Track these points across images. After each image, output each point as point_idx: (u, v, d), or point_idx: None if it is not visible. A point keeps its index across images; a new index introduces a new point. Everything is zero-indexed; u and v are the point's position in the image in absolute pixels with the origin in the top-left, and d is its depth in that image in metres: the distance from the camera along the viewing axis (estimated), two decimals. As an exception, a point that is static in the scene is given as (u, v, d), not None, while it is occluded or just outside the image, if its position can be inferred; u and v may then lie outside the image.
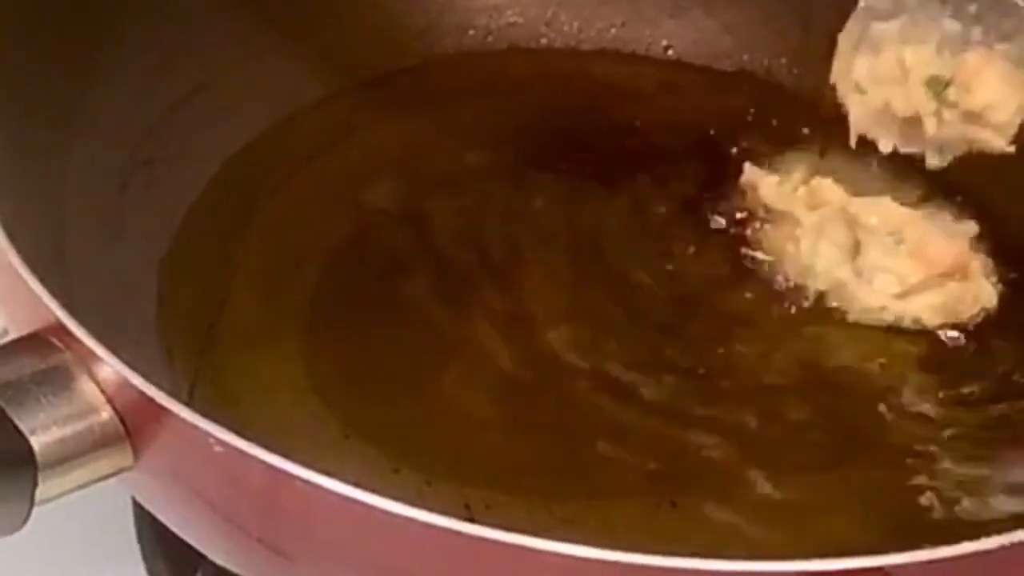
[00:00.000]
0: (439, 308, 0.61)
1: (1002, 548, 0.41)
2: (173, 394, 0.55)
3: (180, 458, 0.45)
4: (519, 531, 0.41)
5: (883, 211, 0.62)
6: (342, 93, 0.69)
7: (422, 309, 0.61)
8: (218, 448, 0.42)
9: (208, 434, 0.42)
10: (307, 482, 0.42)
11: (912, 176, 0.65)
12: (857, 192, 0.64)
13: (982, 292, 0.62)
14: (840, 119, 0.63)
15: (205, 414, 0.55)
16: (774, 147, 0.67)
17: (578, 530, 0.54)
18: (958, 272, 0.62)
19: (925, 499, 0.55)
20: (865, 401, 0.59)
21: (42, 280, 0.46)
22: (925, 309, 0.61)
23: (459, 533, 0.41)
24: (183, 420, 0.43)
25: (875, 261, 0.62)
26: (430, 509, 0.42)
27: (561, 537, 0.41)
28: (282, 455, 0.43)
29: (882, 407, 0.58)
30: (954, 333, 0.61)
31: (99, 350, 0.44)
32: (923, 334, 0.61)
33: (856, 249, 0.62)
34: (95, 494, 0.47)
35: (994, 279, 0.63)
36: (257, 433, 0.55)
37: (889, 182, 0.64)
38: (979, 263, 0.63)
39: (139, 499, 0.52)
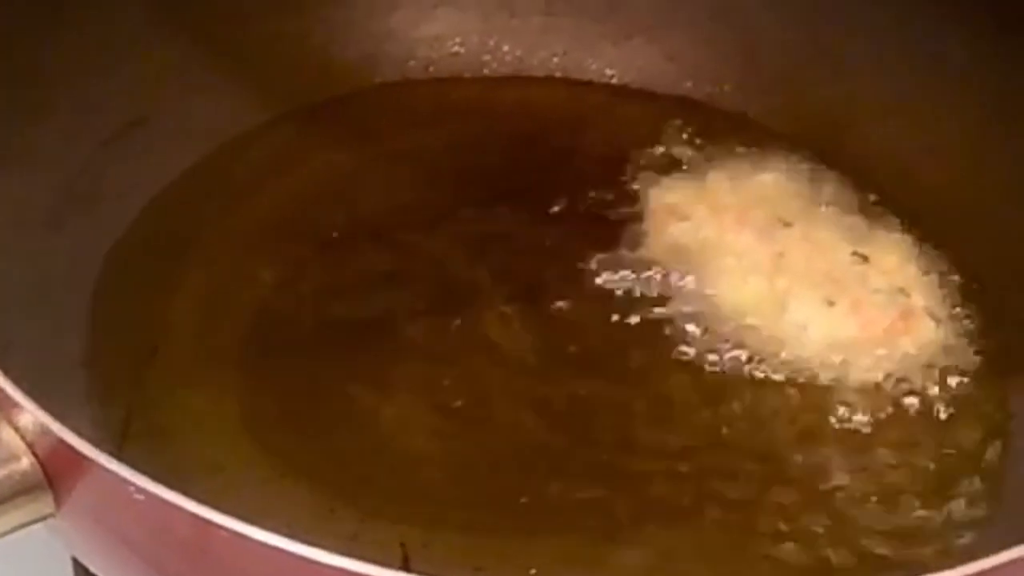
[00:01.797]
0: (377, 344, 0.60)
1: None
2: (104, 434, 0.55)
3: (103, 506, 0.44)
4: (452, 573, 0.41)
5: (815, 249, 0.63)
6: (282, 122, 0.68)
7: (360, 345, 0.60)
8: (139, 496, 0.41)
9: (129, 482, 0.41)
10: (231, 531, 0.41)
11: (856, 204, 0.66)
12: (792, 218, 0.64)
13: (922, 329, 0.62)
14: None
15: (137, 454, 0.55)
16: (714, 174, 0.67)
17: (517, 566, 0.54)
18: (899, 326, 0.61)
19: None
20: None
21: (-40, 323, 0.46)
22: (862, 362, 0.61)
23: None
24: (104, 468, 0.42)
25: (804, 317, 0.61)
26: (364, 551, 0.41)
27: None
28: (205, 502, 0.42)
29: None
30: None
31: (19, 397, 0.43)
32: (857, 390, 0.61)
33: (781, 301, 0.62)
34: (33, 537, 0.47)
35: (941, 311, 0.63)
36: (191, 472, 0.55)
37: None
38: (921, 299, 0.63)
39: (66, 547, 0.51)
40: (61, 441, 0.43)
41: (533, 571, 0.53)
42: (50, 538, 0.50)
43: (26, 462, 0.44)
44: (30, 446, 0.44)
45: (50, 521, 0.45)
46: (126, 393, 0.57)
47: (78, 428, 0.43)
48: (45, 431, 0.43)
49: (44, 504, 0.45)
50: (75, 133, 0.62)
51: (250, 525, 0.41)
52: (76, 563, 0.56)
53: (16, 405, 0.43)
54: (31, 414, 0.43)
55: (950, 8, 0.66)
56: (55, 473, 0.44)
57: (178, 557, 0.45)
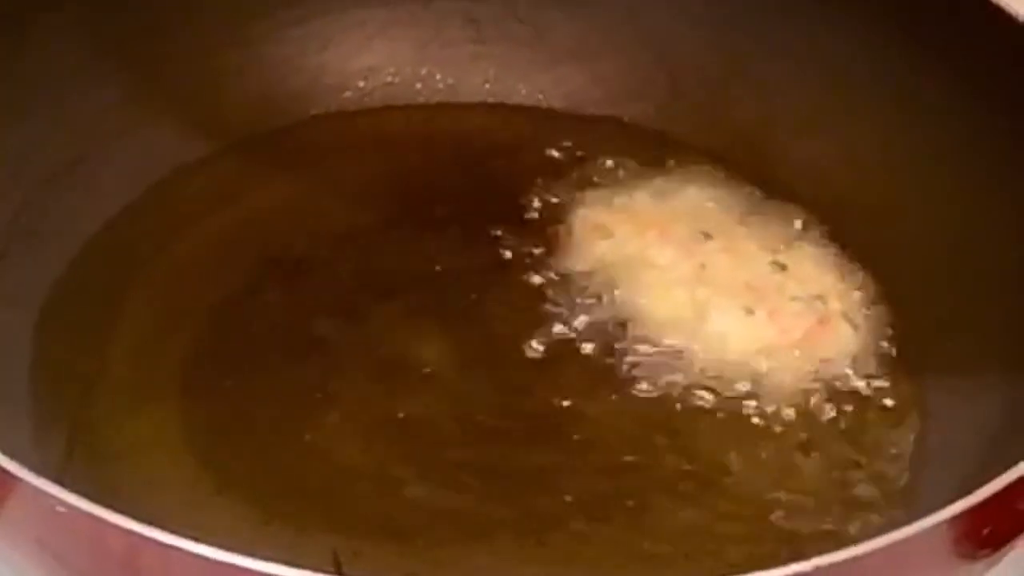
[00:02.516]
0: (313, 363, 0.62)
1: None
2: (47, 457, 0.57)
3: (33, 521, 0.46)
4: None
5: (736, 260, 0.65)
6: (221, 155, 0.71)
7: (296, 364, 0.62)
8: (60, 508, 0.43)
9: (49, 495, 0.43)
10: (154, 542, 0.43)
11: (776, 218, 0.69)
12: (713, 232, 0.67)
13: (840, 334, 0.64)
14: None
15: (81, 475, 0.57)
16: (639, 192, 0.69)
17: (449, 571, 0.56)
18: (817, 332, 0.64)
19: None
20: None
21: None
22: (781, 367, 0.63)
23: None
24: (24, 483, 0.44)
25: (724, 326, 0.64)
26: (297, 560, 0.43)
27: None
28: (124, 513, 0.44)
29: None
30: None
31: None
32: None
33: (701, 311, 0.64)
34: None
35: (857, 316, 0.65)
36: (134, 492, 0.57)
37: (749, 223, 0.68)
38: (838, 306, 0.65)
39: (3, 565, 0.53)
40: (-15, 458, 0.45)
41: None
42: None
43: (-45, 482, 0.46)
44: (-41, 464, 0.46)
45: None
46: (70, 416, 0.59)
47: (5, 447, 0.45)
48: (-31, 447, 0.45)
49: (-24, 522, 0.47)
50: (17, 169, 0.64)
51: (171, 534, 0.43)
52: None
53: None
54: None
55: (859, 29, 0.69)
56: (-14, 490, 0.46)
57: (112, 572, 0.47)
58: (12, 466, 0.44)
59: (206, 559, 0.43)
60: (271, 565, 0.43)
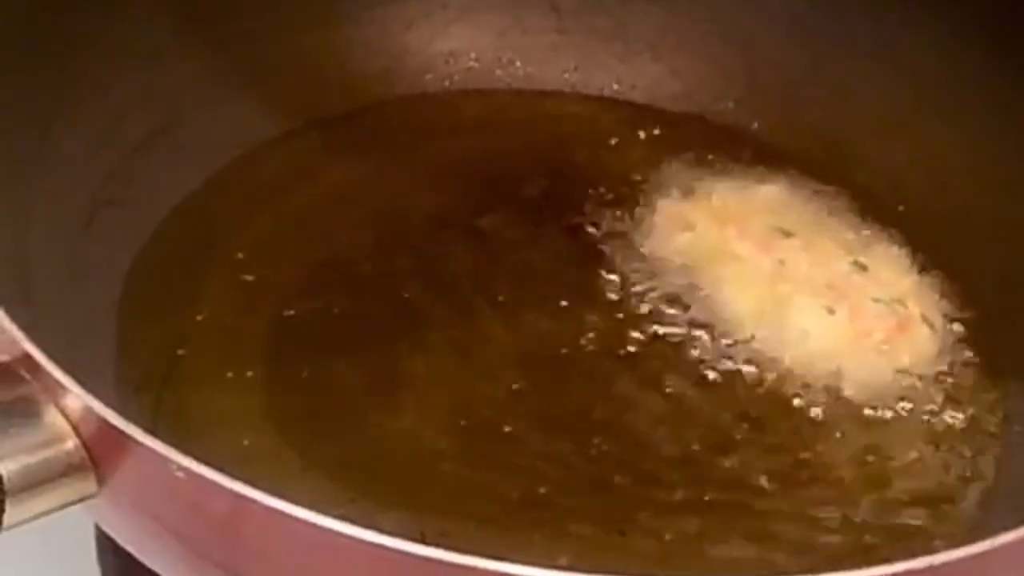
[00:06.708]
0: (396, 344, 0.62)
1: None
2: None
3: (142, 485, 0.46)
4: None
5: (815, 258, 0.66)
6: (301, 132, 0.71)
7: (379, 345, 0.62)
8: (179, 474, 0.43)
9: (169, 460, 0.43)
10: (266, 507, 0.43)
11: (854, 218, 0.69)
12: (792, 229, 0.67)
13: (919, 337, 0.64)
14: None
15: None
16: (717, 186, 0.70)
17: (531, 556, 0.56)
18: (897, 334, 0.64)
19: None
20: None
21: (10, 313, 0.48)
22: (861, 368, 0.63)
23: (418, 556, 0.43)
24: (145, 447, 0.44)
25: (805, 324, 0.64)
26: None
27: (516, 560, 0.42)
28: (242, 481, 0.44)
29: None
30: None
31: (66, 381, 0.46)
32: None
33: (782, 307, 0.64)
34: (57, 523, 0.49)
35: (937, 319, 0.65)
36: (217, 464, 0.57)
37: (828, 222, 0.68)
38: (918, 308, 0.65)
39: (103, 526, 0.53)
40: (105, 422, 0.45)
41: (563, 560, 0.55)
42: (75, 515, 0.51)
43: (71, 444, 0.46)
44: (75, 428, 0.46)
45: (89, 501, 0.48)
46: (153, 391, 0.59)
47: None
48: (90, 413, 0.45)
49: (87, 484, 0.47)
50: (103, 139, 0.64)
51: (286, 502, 0.43)
52: (99, 540, 0.58)
53: (64, 389, 0.46)
54: (77, 397, 0.45)
55: (940, 30, 0.69)
56: (98, 454, 0.46)
57: (213, 535, 0.47)
58: (129, 428, 0.44)
59: (313, 525, 0.43)
60: (373, 534, 0.43)
